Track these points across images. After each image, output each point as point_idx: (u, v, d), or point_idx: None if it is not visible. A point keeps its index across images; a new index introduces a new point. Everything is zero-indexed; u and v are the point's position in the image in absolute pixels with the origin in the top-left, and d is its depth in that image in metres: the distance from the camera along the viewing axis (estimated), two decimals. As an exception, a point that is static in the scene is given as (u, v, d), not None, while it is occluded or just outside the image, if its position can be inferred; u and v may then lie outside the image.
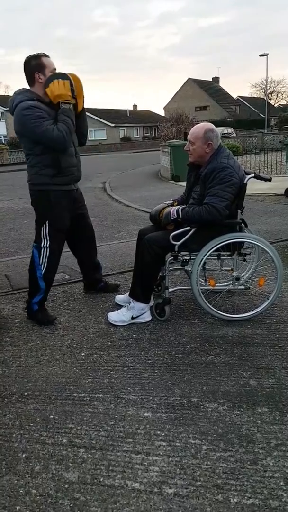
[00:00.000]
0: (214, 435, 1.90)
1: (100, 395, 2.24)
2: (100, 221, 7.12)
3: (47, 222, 2.99)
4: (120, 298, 3.34)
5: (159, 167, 15.23)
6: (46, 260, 3.03)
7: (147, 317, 3.05)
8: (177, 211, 2.88)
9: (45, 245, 3.01)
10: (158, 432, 1.94)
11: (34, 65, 2.80)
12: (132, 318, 3.02)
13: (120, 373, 2.44)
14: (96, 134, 46.60)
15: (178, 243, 2.85)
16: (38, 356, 2.67)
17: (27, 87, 2.88)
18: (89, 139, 46.13)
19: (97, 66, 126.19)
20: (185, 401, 2.15)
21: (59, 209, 3.00)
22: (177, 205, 3.09)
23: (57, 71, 2.84)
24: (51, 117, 2.78)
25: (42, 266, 3.04)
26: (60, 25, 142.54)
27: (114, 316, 3.04)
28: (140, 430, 1.96)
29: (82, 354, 2.67)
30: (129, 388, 2.29)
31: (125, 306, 3.07)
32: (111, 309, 3.28)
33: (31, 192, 3.04)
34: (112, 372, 2.45)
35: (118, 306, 3.28)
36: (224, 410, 2.07)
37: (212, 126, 2.93)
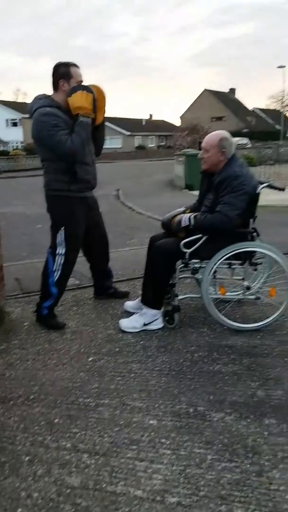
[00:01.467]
0: (220, 445, 1.87)
1: (106, 401, 2.23)
2: (113, 228, 7.07)
3: (62, 228, 2.99)
4: (129, 304, 3.33)
5: (173, 176, 15.27)
6: (60, 267, 3.04)
7: (159, 323, 3.03)
8: (189, 218, 2.87)
9: (60, 252, 3.02)
10: (163, 440, 1.92)
11: (62, 73, 2.82)
12: (144, 324, 3.00)
13: (127, 379, 2.42)
14: (111, 142, 46.84)
15: (189, 250, 2.84)
16: (45, 359, 2.67)
17: (48, 93, 2.92)
18: (105, 147, 46.20)
19: (115, 75, 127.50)
20: (191, 410, 2.13)
21: (74, 215, 3.01)
22: (189, 213, 3.09)
23: (83, 83, 2.85)
24: (68, 126, 2.79)
25: (56, 273, 3.04)
26: (80, 34, 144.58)
27: (126, 323, 3.03)
28: (145, 437, 1.94)
29: (89, 359, 2.66)
30: (135, 395, 2.27)
31: (136, 313, 3.06)
32: (120, 315, 3.28)
33: (47, 197, 3.05)
34: (118, 378, 2.43)
35: (127, 312, 3.27)
36: (231, 420, 2.04)
37: (227, 134, 2.93)
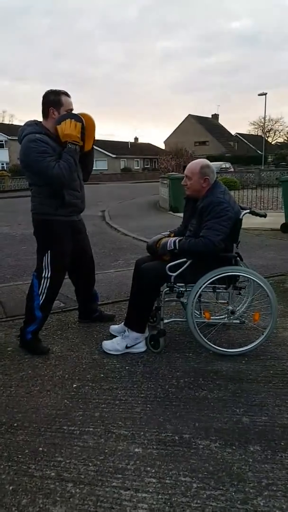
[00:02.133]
0: (205, 473, 1.86)
1: (91, 429, 2.20)
2: (98, 249, 7.14)
3: (48, 252, 3.00)
4: (115, 328, 3.33)
5: (158, 198, 15.44)
6: (46, 290, 3.03)
7: (141, 347, 3.04)
8: (174, 242, 2.92)
9: (46, 276, 3.01)
10: (148, 469, 1.90)
11: (52, 100, 2.85)
12: (127, 347, 3.01)
13: (112, 406, 2.41)
14: (97, 164, 47.28)
15: (174, 274, 2.87)
16: (29, 386, 2.63)
17: (35, 118, 2.97)
18: (90, 169, 46.82)
19: (100, 100, 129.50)
20: (176, 437, 2.12)
21: (61, 239, 3.03)
22: (174, 237, 3.13)
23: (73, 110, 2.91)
24: (56, 153, 2.83)
25: (41, 296, 3.03)
26: (65, 58, 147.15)
27: (109, 345, 3.03)
28: (130, 465, 1.92)
29: (74, 385, 2.64)
30: (120, 423, 2.25)
31: (119, 335, 3.07)
32: (105, 339, 3.26)
33: (33, 221, 3.07)
34: (103, 406, 2.41)
35: (113, 336, 3.26)
36: (216, 448, 2.04)
37: (207, 162, 3.01)
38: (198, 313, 3.13)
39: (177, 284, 2.93)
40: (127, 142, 53.47)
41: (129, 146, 52.48)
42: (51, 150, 2.80)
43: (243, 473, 1.86)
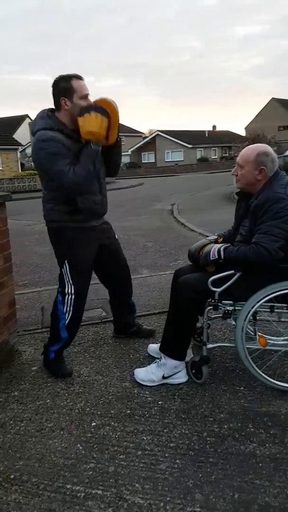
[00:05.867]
0: None
1: (99, 491, 1.74)
2: (159, 247, 6.68)
3: (66, 262, 2.60)
4: (154, 348, 2.83)
5: (233, 189, 14.55)
6: (71, 308, 2.64)
7: (181, 377, 2.51)
8: (219, 250, 2.33)
9: (69, 291, 2.62)
10: None
11: (62, 89, 2.38)
12: (163, 377, 2.49)
13: (131, 459, 1.92)
14: (172, 155, 46.81)
15: (219, 289, 2.30)
16: (42, 421, 2.24)
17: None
18: (165, 160, 46.57)
19: (178, 89, 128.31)
20: (205, 518, 1.58)
21: (79, 247, 2.60)
22: (221, 242, 2.55)
23: (107, 96, 2.40)
24: (71, 153, 2.37)
25: (67, 315, 2.64)
26: (140, 50, 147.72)
27: (142, 374, 2.54)
28: None
29: (93, 424, 2.19)
30: (137, 485, 1.76)
31: (155, 362, 2.56)
32: (141, 361, 2.79)
33: (48, 230, 2.66)
34: (121, 457, 1.94)
35: (151, 358, 2.78)
36: None
37: (267, 148, 2.37)
38: (252, 336, 2.52)
39: (224, 301, 2.35)
40: (204, 131, 51.99)
41: (206, 135, 50.96)
42: (65, 150, 2.34)
43: None
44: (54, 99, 2.43)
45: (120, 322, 3.13)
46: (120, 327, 3.15)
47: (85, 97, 2.39)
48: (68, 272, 2.60)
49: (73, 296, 2.61)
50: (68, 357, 2.90)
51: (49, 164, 2.34)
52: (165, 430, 2.10)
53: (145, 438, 2.06)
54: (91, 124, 2.30)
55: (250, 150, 2.37)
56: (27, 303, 4.24)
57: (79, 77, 2.39)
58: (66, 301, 2.63)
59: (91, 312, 3.70)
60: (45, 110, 2.49)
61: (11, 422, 2.25)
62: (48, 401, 2.42)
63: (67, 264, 2.59)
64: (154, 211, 12.25)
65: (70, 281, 2.60)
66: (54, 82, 2.41)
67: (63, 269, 2.61)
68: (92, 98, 2.44)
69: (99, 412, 2.28)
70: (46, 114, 2.45)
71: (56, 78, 2.41)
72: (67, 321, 2.64)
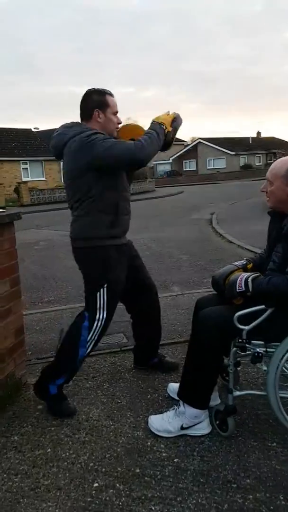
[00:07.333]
0: None
1: None
2: (193, 261, 6.30)
3: (105, 286, 2.31)
4: (174, 388, 2.45)
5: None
6: (97, 337, 2.36)
7: (203, 428, 2.13)
8: (246, 281, 1.96)
9: (100, 317, 2.33)
10: None
11: (97, 101, 2.31)
12: (182, 428, 2.13)
13: (134, 539, 1.58)
14: (214, 163, 46.20)
15: (247, 327, 1.93)
16: (39, 477, 1.93)
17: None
18: (207, 168, 45.98)
19: (225, 97, 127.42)
20: None
21: (117, 268, 2.36)
22: (251, 268, 2.17)
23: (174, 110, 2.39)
24: None
25: (89, 343, 2.35)
26: (190, 59, 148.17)
27: (157, 423, 2.18)
28: None
29: (95, 484, 1.86)
30: None
31: (173, 409, 2.20)
32: (160, 403, 2.45)
33: (79, 251, 2.37)
34: (121, 535, 1.60)
35: (171, 400, 2.43)
36: None
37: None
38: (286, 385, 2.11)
39: (253, 341, 1.97)
40: (248, 138, 50.95)
41: (250, 142, 49.90)
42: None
43: None
44: (85, 109, 2.34)
45: (142, 354, 2.82)
46: (141, 358, 2.84)
47: (115, 113, 2.37)
48: (104, 298, 2.31)
49: (103, 323, 2.34)
50: (79, 394, 2.60)
51: (109, 150, 2.13)
52: (178, 498, 1.75)
53: (153, 508, 1.71)
54: (160, 116, 2.35)
55: (281, 163, 2.00)
56: (47, 324, 4.01)
57: (112, 94, 2.38)
58: (94, 328, 2.34)
59: (110, 337, 3.39)
60: (71, 122, 2.37)
61: (5, 475, 1.97)
62: (49, 450, 2.12)
63: (105, 290, 2.31)
64: (192, 220, 11.88)
65: (105, 306, 2.32)
66: (87, 93, 2.35)
67: (99, 295, 2.32)
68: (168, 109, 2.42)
69: (103, 469, 1.95)
70: (77, 123, 2.35)
71: (90, 89, 2.36)
72: (87, 351, 2.36)
